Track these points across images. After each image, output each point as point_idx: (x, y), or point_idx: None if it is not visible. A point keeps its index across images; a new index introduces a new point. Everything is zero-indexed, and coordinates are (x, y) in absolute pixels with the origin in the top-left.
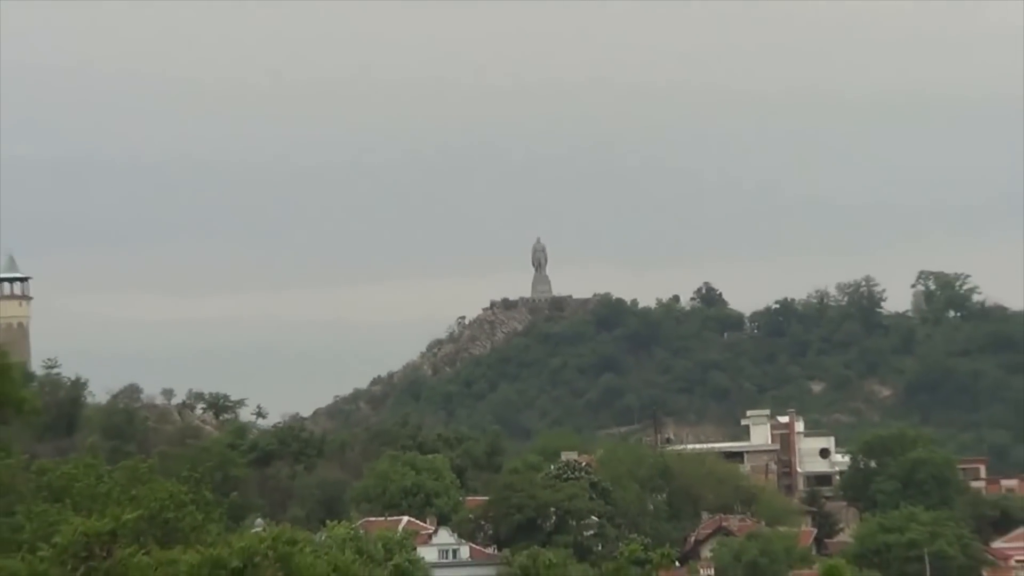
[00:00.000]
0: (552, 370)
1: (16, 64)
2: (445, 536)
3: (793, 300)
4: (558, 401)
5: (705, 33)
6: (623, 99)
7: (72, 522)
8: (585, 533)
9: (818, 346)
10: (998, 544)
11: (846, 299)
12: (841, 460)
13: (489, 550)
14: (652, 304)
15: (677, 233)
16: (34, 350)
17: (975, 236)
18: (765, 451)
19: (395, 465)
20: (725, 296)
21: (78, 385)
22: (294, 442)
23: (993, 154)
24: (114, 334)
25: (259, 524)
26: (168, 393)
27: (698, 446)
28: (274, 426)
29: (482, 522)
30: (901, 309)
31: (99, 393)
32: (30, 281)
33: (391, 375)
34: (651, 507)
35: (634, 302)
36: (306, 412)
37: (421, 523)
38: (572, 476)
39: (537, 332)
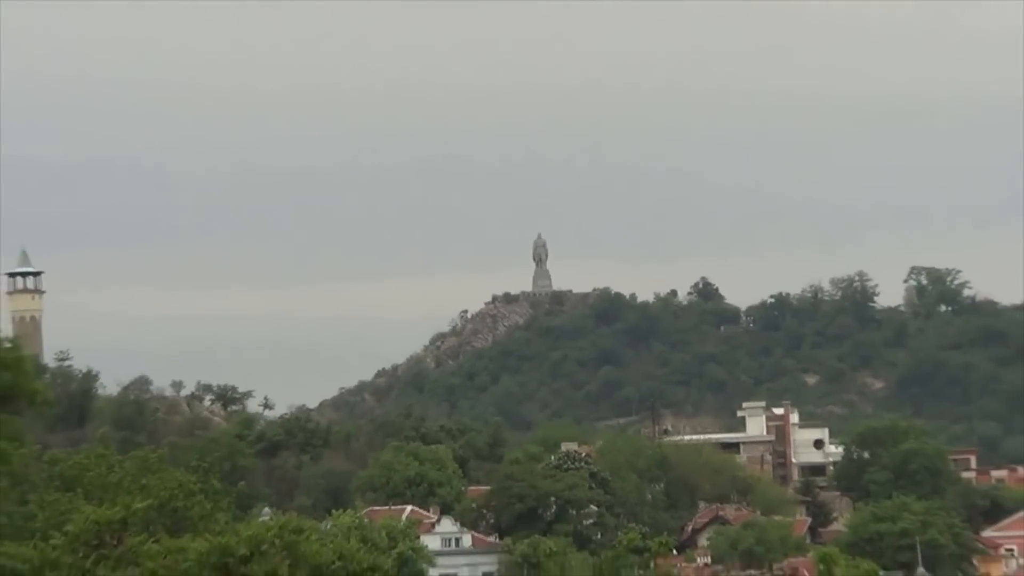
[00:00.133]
0: (552, 363)
1: (30, 71)
2: (448, 525)
3: (788, 295)
4: (558, 393)
5: (703, 35)
6: (622, 100)
7: (84, 511)
8: (585, 522)
9: (812, 339)
10: (988, 533)
11: (840, 294)
12: (835, 451)
13: (491, 538)
14: (650, 298)
15: (675, 229)
16: (46, 343)
17: (966, 233)
18: (761, 442)
19: (399, 455)
20: (722, 291)
21: (89, 377)
22: (300, 433)
23: (983, 154)
24: (124, 328)
25: (266, 513)
26: (177, 385)
27: (695, 437)
28: (281, 417)
29: (484, 511)
30: (893, 304)
31: (110, 385)
32: (42, 276)
33: (395, 368)
34: (649, 497)
35: (633, 296)
36: (312, 404)
37: (424, 512)
38: (572, 466)
39: (538, 326)
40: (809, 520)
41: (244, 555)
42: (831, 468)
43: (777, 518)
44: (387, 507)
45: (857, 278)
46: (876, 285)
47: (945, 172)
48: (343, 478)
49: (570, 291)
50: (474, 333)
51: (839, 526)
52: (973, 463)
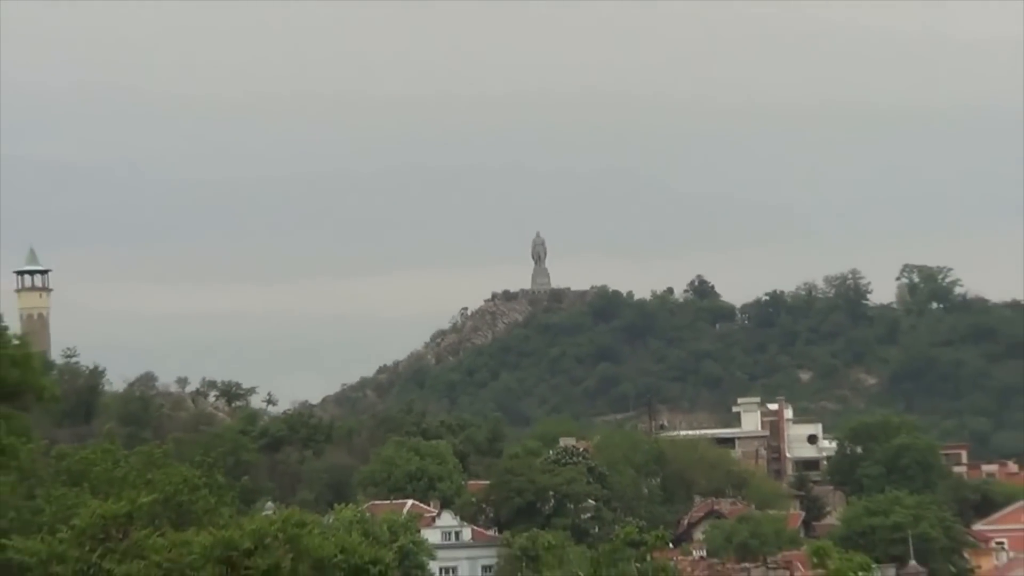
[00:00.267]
0: (551, 359)
1: (34, 72)
2: (448, 519)
3: (782, 292)
4: (557, 389)
5: (701, 37)
6: (620, 104)
7: (90, 505)
8: (582, 516)
9: (806, 336)
10: (979, 526)
11: (833, 291)
12: (828, 446)
13: (490, 532)
14: (647, 296)
15: (671, 228)
16: (54, 340)
17: (958, 231)
18: (755, 437)
19: (400, 450)
20: (717, 289)
21: (96, 374)
22: (303, 428)
23: (973, 157)
24: (130, 326)
25: (269, 507)
26: (182, 381)
27: (691, 432)
28: (284, 413)
29: (483, 505)
30: (886, 301)
31: (116, 381)
32: (50, 274)
33: (396, 364)
34: (646, 491)
35: (630, 294)
36: (315, 399)
37: (425, 506)
38: (570, 461)
39: (537, 323)
40: (803, 514)
41: (248, 548)
42: (825, 463)
43: (771, 512)
44: (388, 501)
45: (850, 276)
46: (869, 283)
47: (937, 174)
48: (345, 473)
49: (568, 289)
50: (474, 330)
51: (832, 520)
52: (964, 458)
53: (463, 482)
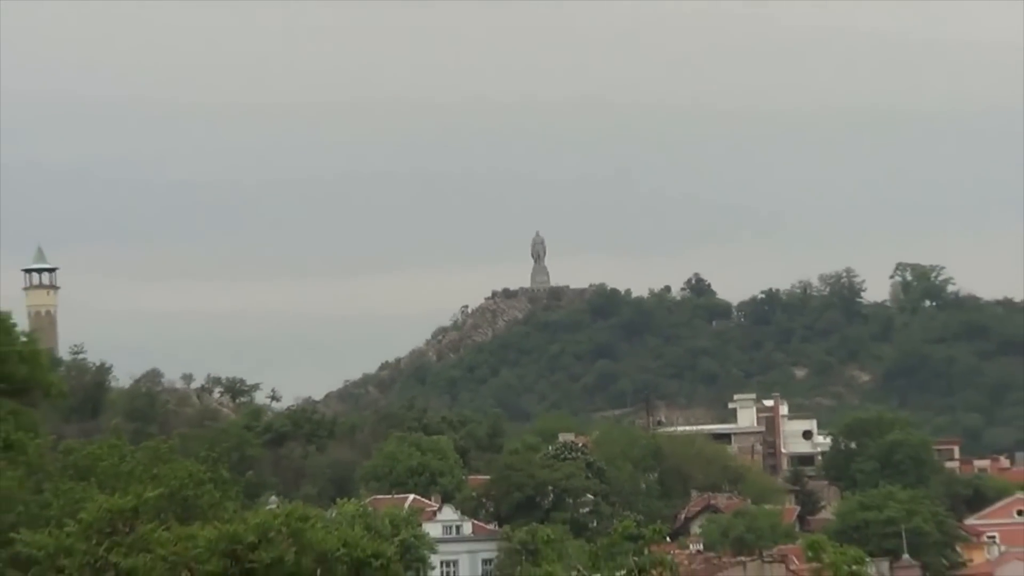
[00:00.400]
0: (550, 356)
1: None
2: (449, 513)
3: (778, 291)
4: (556, 385)
5: (698, 42)
6: (621, 106)
7: (97, 499)
8: (581, 510)
9: (801, 334)
10: (971, 521)
11: (828, 289)
12: (823, 441)
13: (490, 526)
14: (645, 294)
15: (668, 227)
16: (61, 337)
17: (950, 231)
18: (751, 433)
19: (402, 446)
20: (714, 287)
21: (103, 370)
22: (306, 424)
23: (965, 158)
24: (136, 323)
25: (273, 501)
26: (188, 378)
27: (688, 428)
28: (288, 409)
29: (484, 500)
30: (880, 299)
31: (122, 378)
32: (57, 272)
33: (398, 361)
34: (643, 486)
35: (628, 292)
36: (318, 396)
37: (426, 501)
38: (569, 456)
39: (536, 320)
40: (798, 508)
41: (252, 542)
42: (819, 458)
43: (767, 506)
44: (390, 496)
45: (845, 274)
46: (863, 281)
47: (929, 174)
48: (348, 468)
49: (567, 287)
50: (474, 327)
51: (827, 514)
52: (956, 453)
53: (464, 477)
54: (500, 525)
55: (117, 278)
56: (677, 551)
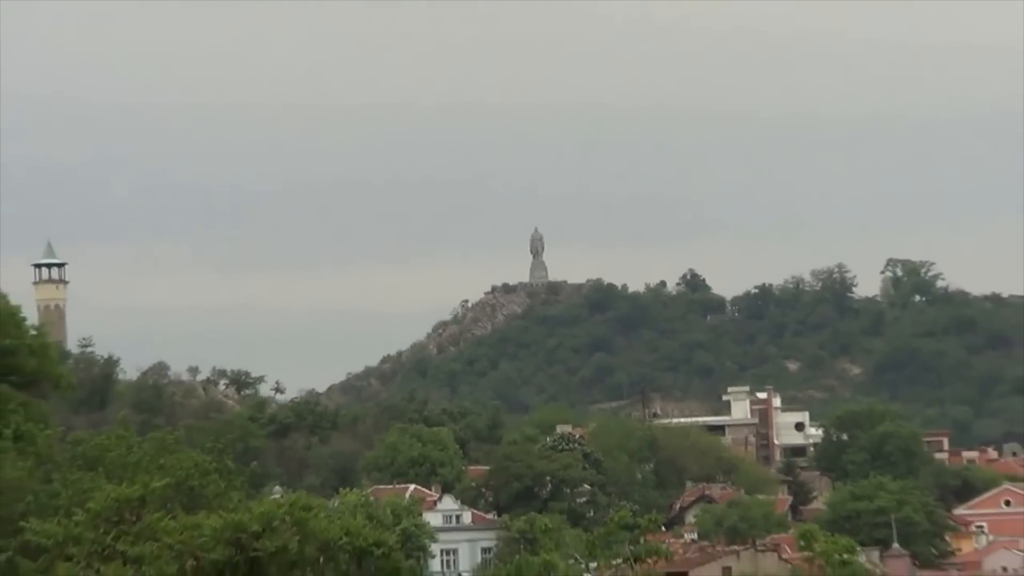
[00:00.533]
0: (548, 350)
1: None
2: (449, 503)
3: (771, 285)
4: (554, 378)
5: (699, 48)
6: (622, 108)
7: (104, 489)
8: (578, 500)
9: (794, 328)
10: (960, 511)
11: (820, 285)
12: (815, 433)
13: (490, 516)
14: (641, 289)
15: (664, 224)
16: (70, 331)
17: (940, 227)
18: (745, 425)
19: (403, 437)
20: (708, 282)
21: (110, 363)
22: (310, 416)
23: (954, 157)
24: (143, 316)
25: (277, 491)
26: (193, 370)
27: (683, 420)
28: (291, 401)
29: (483, 490)
30: (871, 294)
31: (130, 370)
32: (66, 267)
33: (400, 354)
34: (639, 476)
35: (624, 287)
36: (321, 388)
37: (427, 491)
38: (566, 448)
39: (534, 315)
40: (791, 499)
41: (256, 531)
42: (811, 449)
43: (760, 497)
44: (391, 486)
45: (836, 270)
46: (854, 276)
47: (919, 173)
48: (350, 459)
49: (565, 282)
50: (474, 321)
51: (819, 504)
52: (946, 445)
53: (463, 468)
54: (499, 515)
55: (124, 273)
56: (672, 540)
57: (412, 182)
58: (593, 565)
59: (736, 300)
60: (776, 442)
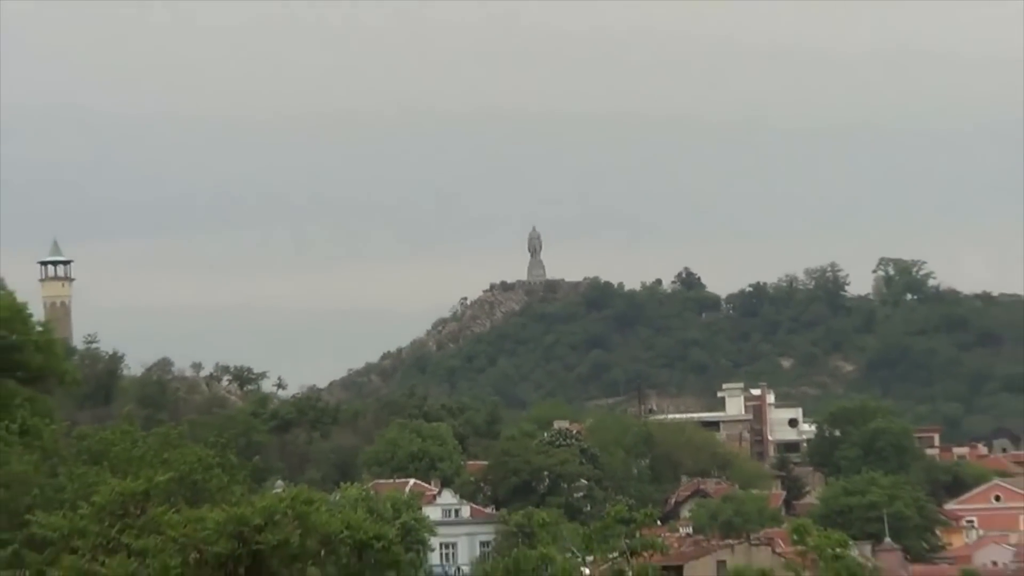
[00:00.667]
0: (546, 346)
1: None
2: (448, 497)
3: (765, 284)
4: (551, 375)
5: (699, 52)
6: (621, 110)
7: (109, 483)
8: (575, 495)
9: (788, 326)
10: (950, 506)
11: (813, 283)
12: (808, 429)
13: (488, 510)
14: (637, 287)
15: (660, 223)
16: (75, 327)
17: (931, 227)
18: (739, 421)
19: (403, 432)
20: (703, 280)
21: (115, 359)
22: (311, 411)
23: (946, 159)
24: (147, 314)
25: (279, 485)
26: (197, 366)
27: (678, 416)
28: (293, 397)
29: (482, 484)
30: (863, 292)
31: (134, 366)
32: (72, 264)
33: (400, 351)
34: (635, 471)
35: (621, 285)
36: (322, 384)
37: (426, 485)
38: (564, 443)
39: (532, 312)
40: (784, 494)
41: (258, 524)
42: (804, 445)
43: (754, 492)
44: (392, 480)
45: (829, 268)
46: (847, 275)
47: (911, 175)
48: (351, 453)
49: (562, 280)
50: (473, 319)
51: (812, 499)
52: (936, 441)
53: (462, 462)
54: (497, 509)
55: (129, 271)
56: (667, 534)
57: (413, 182)
58: (590, 558)
59: (731, 298)
60: (770, 438)
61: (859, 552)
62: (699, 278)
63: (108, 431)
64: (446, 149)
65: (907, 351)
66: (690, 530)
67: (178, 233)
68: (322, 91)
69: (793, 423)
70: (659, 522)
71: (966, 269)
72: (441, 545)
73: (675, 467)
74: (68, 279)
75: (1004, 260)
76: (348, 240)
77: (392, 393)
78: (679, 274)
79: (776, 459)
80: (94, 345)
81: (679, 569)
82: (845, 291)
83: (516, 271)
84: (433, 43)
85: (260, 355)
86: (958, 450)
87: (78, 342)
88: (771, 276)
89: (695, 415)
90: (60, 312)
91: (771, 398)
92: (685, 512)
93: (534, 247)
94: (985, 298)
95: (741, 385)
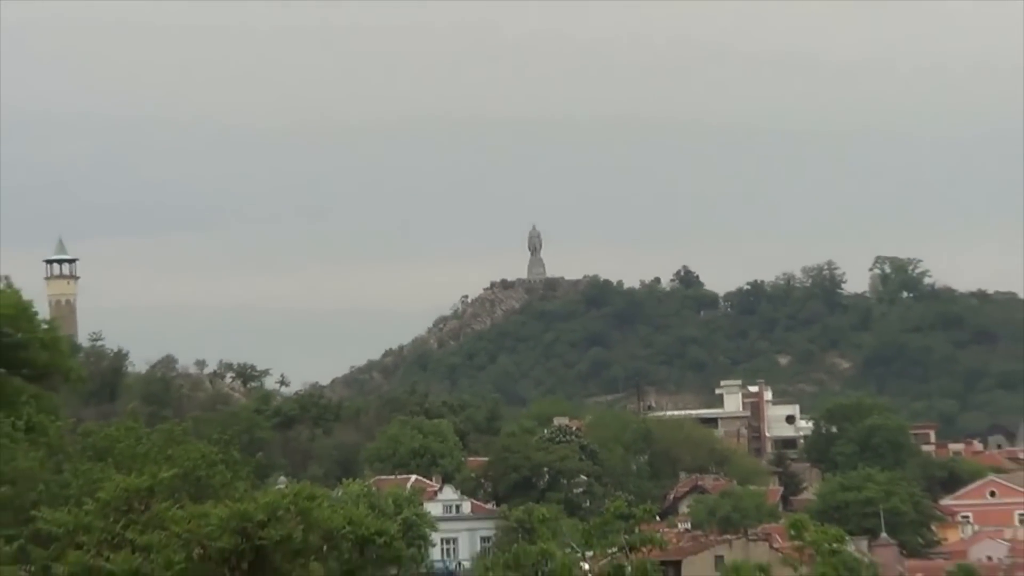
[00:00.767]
0: (546, 344)
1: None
2: (449, 493)
3: (763, 282)
4: (551, 372)
5: (700, 56)
6: (622, 110)
7: (114, 479)
8: (575, 491)
9: (785, 323)
10: (946, 501)
11: (810, 281)
12: (805, 426)
13: (488, 505)
14: (636, 285)
15: (659, 223)
16: (80, 325)
17: (927, 226)
18: (737, 417)
19: (404, 429)
20: (702, 278)
21: (120, 356)
22: (314, 408)
23: (941, 159)
24: (152, 312)
25: (282, 482)
26: (201, 364)
27: (677, 413)
28: (296, 393)
29: (482, 480)
30: (860, 290)
31: (138, 363)
32: (77, 262)
33: (401, 348)
34: (634, 467)
35: (620, 283)
36: (325, 381)
37: (427, 481)
38: (563, 439)
39: (532, 310)
40: (781, 489)
41: (261, 520)
42: (802, 441)
43: (752, 487)
44: (393, 476)
45: (826, 267)
46: (844, 273)
47: (907, 174)
48: (353, 450)
49: (562, 278)
50: (474, 316)
51: (809, 495)
52: (932, 437)
53: (463, 459)
54: (498, 504)
55: (134, 270)
56: (666, 530)
57: (413, 183)
58: (589, 554)
59: (729, 296)
60: (767, 434)
61: (856, 547)
62: (697, 276)
63: (113, 428)
64: (446, 149)
65: (903, 348)
66: (688, 526)
67: (182, 232)
68: (322, 92)
69: (790, 420)
70: (658, 518)
71: (962, 267)
72: (442, 540)
73: (673, 463)
74: (73, 277)
75: (999, 258)
76: (349, 239)
77: (394, 390)
78: (678, 272)
79: (773, 455)
80: (99, 343)
81: (677, 564)
82: (842, 289)
83: (516, 269)
84: (434, 47)
85: (263, 353)
86: (954, 446)
87: (83, 340)
88: (769, 274)
89: (693, 412)
90: (65, 310)
91: (768, 395)
92: (683, 508)
93: (534, 246)
94: (980, 296)
95: (739, 382)
